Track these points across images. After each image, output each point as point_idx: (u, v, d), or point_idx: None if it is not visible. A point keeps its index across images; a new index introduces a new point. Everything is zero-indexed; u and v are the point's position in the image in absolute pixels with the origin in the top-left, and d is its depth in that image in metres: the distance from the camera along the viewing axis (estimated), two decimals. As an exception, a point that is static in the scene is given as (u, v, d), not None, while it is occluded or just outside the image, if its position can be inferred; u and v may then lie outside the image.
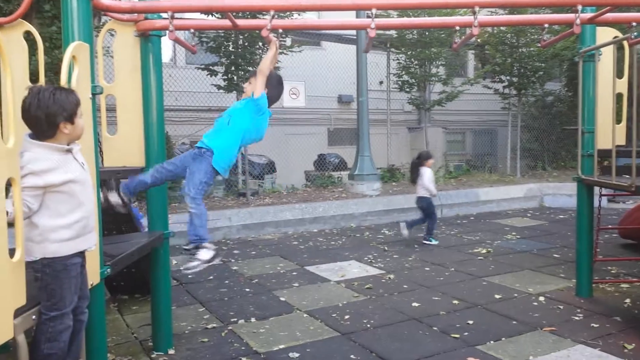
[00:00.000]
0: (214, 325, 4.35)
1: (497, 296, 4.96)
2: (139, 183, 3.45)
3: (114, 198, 3.36)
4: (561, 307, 4.65)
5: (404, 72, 12.38)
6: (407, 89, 12.46)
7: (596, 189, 5.07)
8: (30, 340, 2.20)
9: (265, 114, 3.46)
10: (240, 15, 8.08)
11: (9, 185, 1.98)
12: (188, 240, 3.26)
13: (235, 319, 4.46)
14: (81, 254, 2.38)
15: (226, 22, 3.72)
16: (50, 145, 2.26)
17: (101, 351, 2.90)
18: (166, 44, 11.93)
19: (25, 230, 2.13)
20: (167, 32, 3.39)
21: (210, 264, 3.24)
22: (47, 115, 2.22)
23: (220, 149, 3.32)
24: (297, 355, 3.72)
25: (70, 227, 2.28)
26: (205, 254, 3.21)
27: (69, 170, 2.28)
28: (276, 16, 3.39)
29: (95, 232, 2.48)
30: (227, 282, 5.61)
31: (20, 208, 2.04)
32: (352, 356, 3.70)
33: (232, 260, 6.54)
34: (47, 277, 2.24)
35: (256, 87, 3.37)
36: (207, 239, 3.25)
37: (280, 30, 3.72)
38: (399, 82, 12.47)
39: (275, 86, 3.52)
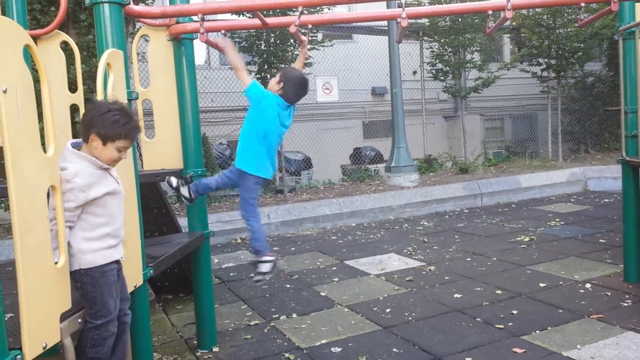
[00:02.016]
0: (257, 322, 4.40)
1: (541, 285, 4.86)
2: (204, 186, 3.66)
3: (174, 182, 3.56)
4: (609, 293, 4.52)
5: (437, 61, 12.21)
6: (442, 78, 12.28)
7: (642, 171, 4.91)
8: (75, 343, 2.26)
9: (264, 104, 3.38)
10: (270, 13, 8.13)
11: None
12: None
13: (277, 315, 4.50)
14: (116, 261, 2.43)
15: (256, 21, 3.74)
16: (92, 160, 2.29)
17: (146, 351, 2.97)
18: (200, 46, 12.11)
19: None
20: (199, 34, 3.43)
21: (272, 274, 3.50)
22: (90, 116, 2.31)
23: (239, 151, 3.48)
24: (339, 349, 3.74)
25: (101, 239, 2.32)
26: (263, 267, 3.46)
27: (105, 184, 2.32)
28: (305, 12, 3.40)
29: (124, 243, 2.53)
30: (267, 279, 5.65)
31: (62, 214, 2.10)
32: (394, 349, 3.69)
33: (273, 257, 6.59)
34: (86, 286, 2.29)
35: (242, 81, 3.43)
36: (263, 251, 3.47)
37: (310, 26, 3.74)
38: (433, 71, 12.31)
39: (293, 84, 3.46)
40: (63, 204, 2.14)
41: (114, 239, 2.38)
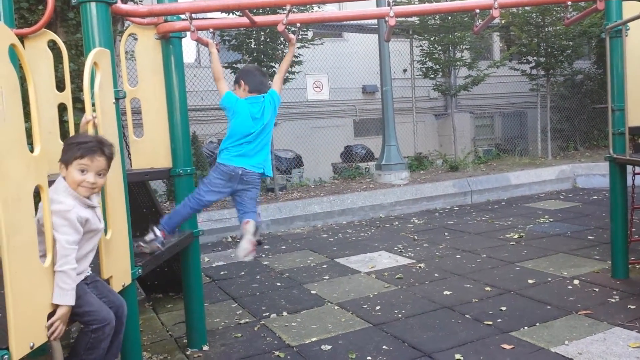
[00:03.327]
0: (247, 320, 4.41)
1: (530, 281, 4.89)
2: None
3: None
4: (596, 289, 4.56)
5: (427, 59, 12.24)
6: (432, 76, 12.32)
7: (629, 167, 4.95)
8: (66, 342, 2.26)
9: (234, 108, 3.55)
10: (260, 11, 8.12)
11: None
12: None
13: (268, 314, 4.51)
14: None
15: (244, 20, 3.73)
16: (82, 200, 2.35)
17: (136, 350, 2.96)
18: (190, 45, 12.06)
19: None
20: (189, 32, 3.43)
21: (148, 246, 3.37)
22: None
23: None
24: (329, 347, 3.75)
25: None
26: (149, 235, 3.40)
27: (94, 222, 2.39)
28: (295, 10, 3.41)
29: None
30: (258, 277, 5.67)
31: (49, 215, 2.09)
32: (384, 347, 3.70)
33: (263, 256, 6.60)
34: None
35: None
36: (161, 225, 3.48)
37: (299, 25, 3.74)
38: (423, 69, 12.34)
39: (249, 76, 3.68)
40: (64, 236, 2.19)
41: (82, 273, 2.38)
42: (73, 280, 2.19)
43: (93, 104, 2.52)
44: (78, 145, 2.37)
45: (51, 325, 2.09)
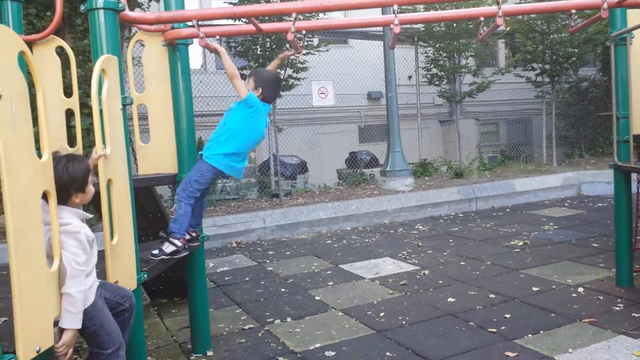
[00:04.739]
0: (251, 325, 4.42)
1: (534, 289, 4.89)
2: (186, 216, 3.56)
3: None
4: (601, 297, 4.55)
5: (432, 65, 12.27)
6: (437, 82, 12.34)
7: (634, 175, 4.95)
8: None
9: (258, 112, 3.53)
10: (267, 19, 8.16)
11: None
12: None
13: (272, 319, 4.52)
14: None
15: (251, 27, 3.76)
16: (81, 214, 2.36)
17: (141, 355, 2.97)
18: (196, 51, 12.13)
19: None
20: (198, 39, 3.45)
21: (171, 257, 3.39)
22: (60, 186, 2.22)
23: (216, 144, 3.55)
24: (333, 353, 3.75)
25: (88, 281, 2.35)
26: (168, 247, 3.40)
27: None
28: (301, 17, 3.43)
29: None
30: (262, 282, 5.68)
31: (56, 218, 2.12)
32: (387, 353, 3.71)
33: (267, 261, 6.61)
34: (84, 323, 2.25)
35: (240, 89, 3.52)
36: (177, 234, 3.44)
37: (304, 32, 3.77)
38: (428, 76, 12.37)
39: (271, 85, 3.66)
40: (73, 257, 2.17)
41: (94, 284, 2.39)
42: (81, 303, 2.17)
43: (101, 110, 2.55)
44: (84, 161, 2.38)
45: (57, 348, 2.11)
